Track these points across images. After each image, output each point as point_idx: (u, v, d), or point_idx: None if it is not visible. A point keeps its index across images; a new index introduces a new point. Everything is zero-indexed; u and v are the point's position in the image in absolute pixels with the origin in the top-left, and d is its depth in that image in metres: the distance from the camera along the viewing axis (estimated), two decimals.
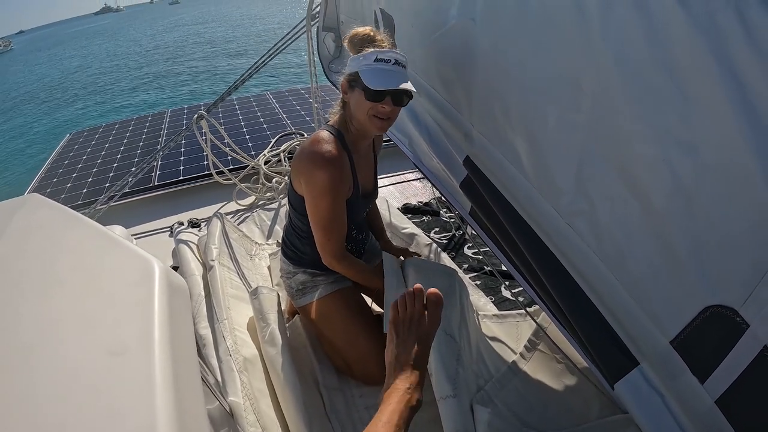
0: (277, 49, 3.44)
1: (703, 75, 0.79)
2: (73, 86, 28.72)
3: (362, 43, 1.71)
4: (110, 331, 0.90)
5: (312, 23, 3.23)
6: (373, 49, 1.66)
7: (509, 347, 1.98)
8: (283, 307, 2.08)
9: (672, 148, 0.88)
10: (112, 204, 3.40)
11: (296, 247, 1.97)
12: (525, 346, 1.90)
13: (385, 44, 1.71)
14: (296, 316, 2.12)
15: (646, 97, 0.92)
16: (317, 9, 3.19)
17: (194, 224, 3.27)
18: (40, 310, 0.97)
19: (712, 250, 0.86)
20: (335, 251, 1.80)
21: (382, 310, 2.11)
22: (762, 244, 0.77)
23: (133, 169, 4.01)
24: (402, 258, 2.07)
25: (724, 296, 0.86)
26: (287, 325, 2.03)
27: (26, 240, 1.25)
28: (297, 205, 1.85)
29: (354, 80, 1.69)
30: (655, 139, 0.92)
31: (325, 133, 1.75)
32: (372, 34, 1.72)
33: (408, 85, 1.61)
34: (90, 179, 4.35)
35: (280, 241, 2.33)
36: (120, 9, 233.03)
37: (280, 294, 2.08)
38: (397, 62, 1.64)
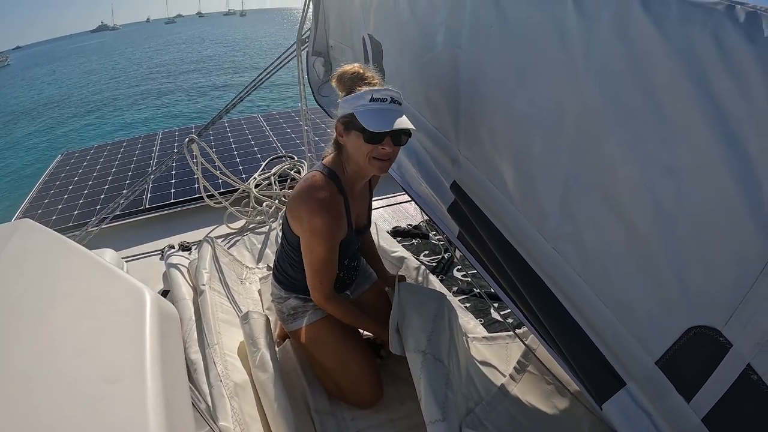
0: (267, 73, 3.47)
1: (682, 99, 0.82)
2: (69, 103, 28.71)
3: (352, 82, 1.66)
4: (104, 359, 0.91)
5: (302, 48, 3.27)
6: (366, 88, 1.61)
7: (499, 369, 1.99)
8: (273, 332, 2.08)
9: (654, 171, 0.91)
10: (103, 226, 3.40)
11: (288, 274, 1.98)
12: (515, 368, 1.91)
13: (376, 81, 1.68)
14: (287, 340, 2.12)
15: (627, 122, 0.94)
16: (307, 34, 3.23)
17: (185, 247, 3.27)
18: (35, 338, 0.98)
19: (694, 271, 0.89)
20: (325, 292, 1.81)
21: (371, 335, 2.14)
22: (742, 264, 0.79)
23: (125, 191, 4.01)
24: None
25: (707, 317, 0.88)
26: (278, 349, 2.03)
27: (19, 267, 1.27)
28: (291, 239, 1.85)
29: (350, 122, 1.63)
30: (636, 162, 0.94)
31: (318, 177, 1.73)
32: (361, 71, 1.68)
33: (407, 123, 1.58)
34: (81, 201, 4.33)
35: (270, 265, 2.34)
36: (116, 27, 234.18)
37: (270, 318, 2.08)
38: (393, 100, 1.59)
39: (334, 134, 1.74)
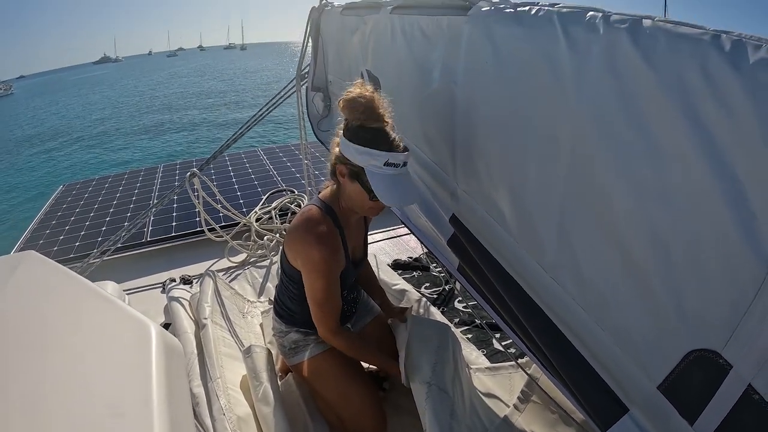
0: (268, 109, 3.53)
1: (672, 127, 0.84)
2: (71, 134, 28.97)
3: (365, 115, 1.57)
4: (110, 393, 0.92)
5: (301, 83, 3.33)
6: (384, 152, 1.55)
7: (502, 400, 1.99)
8: (276, 365, 2.09)
9: (647, 198, 0.93)
10: (104, 258, 3.42)
11: (288, 307, 1.98)
12: (518, 398, 1.91)
13: (388, 121, 1.61)
14: (289, 373, 2.12)
15: (619, 151, 0.96)
16: (306, 69, 3.29)
17: (186, 281, 3.29)
18: (40, 371, 0.99)
19: (691, 295, 0.90)
20: (331, 326, 1.81)
21: (374, 367, 2.15)
22: (738, 286, 0.81)
23: (126, 224, 4.04)
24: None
25: (706, 340, 0.89)
26: (280, 382, 2.03)
27: (24, 299, 1.28)
28: (290, 273, 1.87)
29: (356, 174, 1.63)
30: (630, 191, 0.96)
31: (315, 211, 1.75)
32: (375, 104, 1.58)
33: (414, 192, 1.62)
34: (82, 233, 4.36)
35: (272, 298, 2.35)
36: (119, 59, 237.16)
37: (272, 351, 2.09)
38: (404, 163, 1.59)
39: (330, 163, 1.75)
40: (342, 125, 1.67)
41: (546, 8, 1.15)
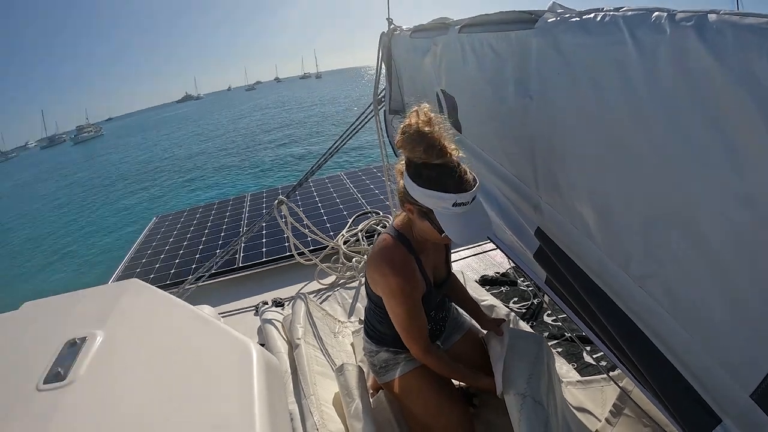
0: (349, 134, 3.62)
1: (749, 125, 0.82)
2: (159, 168, 30.80)
3: (426, 153, 1.51)
4: (215, 408, 0.99)
5: (379, 107, 3.41)
6: (453, 194, 1.49)
7: (594, 414, 1.95)
8: (367, 383, 2.13)
9: (730, 202, 0.90)
10: (200, 284, 3.61)
11: (376, 328, 2.02)
12: (610, 412, 1.87)
13: (449, 148, 1.52)
14: (380, 391, 2.15)
15: (699, 154, 0.94)
16: (383, 93, 3.36)
17: (278, 303, 3.42)
18: (152, 387, 1.08)
19: None
20: (421, 346, 1.82)
21: (464, 384, 2.15)
22: None
23: (218, 251, 4.25)
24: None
25: None
26: (372, 400, 2.07)
27: (133, 323, 1.40)
28: (374, 297, 1.90)
29: (425, 214, 1.60)
30: (712, 194, 0.94)
31: (389, 240, 1.78)
32: (435, 137, 1.50)
33: (486, 226, 1.59)
34: (177, 260, 4.63)
35: (362, 318, 2.40)
36: (200, 96, 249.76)
37: (364, 369, 2.13)
38: (473, 198, 1.53)
39: (398, 194, 1.72)
40: (403, 161, 1.64)
41: (611, 13, 1.14)
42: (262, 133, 37.59)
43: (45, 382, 1.18)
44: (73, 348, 1.29)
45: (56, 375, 1.20)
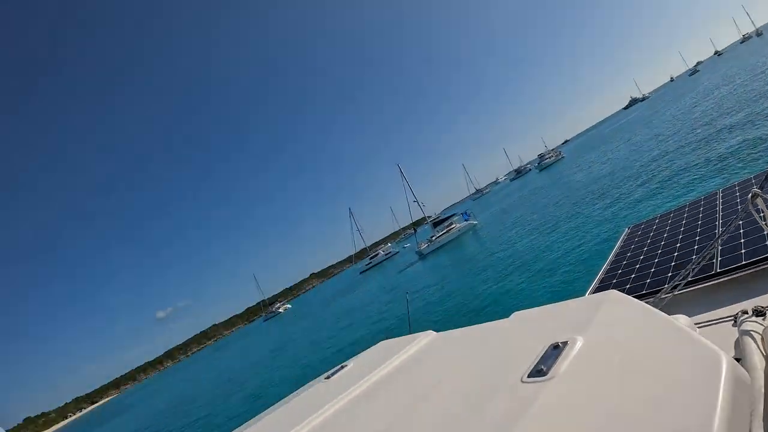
0: None
1: None
2: (625, 178, 30.74)
3: None
4: (674, 416, 1.02)
5: None
6: None
7: None
8: None
9: None
10: (675, 293, 3.50)
11: None
12: None
13: None
14: None
15: None
16: None
17: (759, 313, 3.05)
18: (619, 393, 1.18)
19: None
20: None
21: None
22: None
23: (694, 257, 4.04)
24: None
25: None
26: None
27: (612, 330, 1.55)
28: None
29: None
30: None
31: None
32: None
33: None
34: (652, 270, 4.54)
35: None
36: (646, 96, 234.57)
37: None
38: None
39: None
40: None
41: None
42: (720, 117, 33.31)
43: (529, 376, 1.39)
44: (555, 350, 1.48)
45: (539, 371, 1.39)
